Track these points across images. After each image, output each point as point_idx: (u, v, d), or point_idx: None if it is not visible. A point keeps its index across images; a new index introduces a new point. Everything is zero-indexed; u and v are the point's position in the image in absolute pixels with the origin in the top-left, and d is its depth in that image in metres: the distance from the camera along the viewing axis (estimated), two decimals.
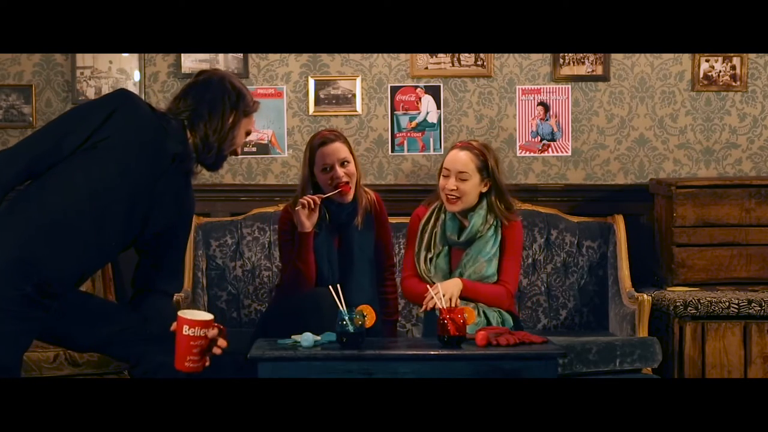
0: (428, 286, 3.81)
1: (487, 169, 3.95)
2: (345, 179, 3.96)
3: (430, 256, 3.99)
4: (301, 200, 3.90)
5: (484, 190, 3.97)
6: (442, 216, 4.02)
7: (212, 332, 3.07)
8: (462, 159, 3.95)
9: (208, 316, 3.09)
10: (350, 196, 3.99)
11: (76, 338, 3.22)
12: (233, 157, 3.37)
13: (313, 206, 3.90)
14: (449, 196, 3.94)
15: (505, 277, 3.96)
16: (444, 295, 3.71)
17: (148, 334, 3.15)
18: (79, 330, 3.18)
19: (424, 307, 3.80)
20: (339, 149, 3.97)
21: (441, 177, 3.99)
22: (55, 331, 3.15)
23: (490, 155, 3.99)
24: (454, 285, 3.83)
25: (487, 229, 3.95)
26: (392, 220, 4.26)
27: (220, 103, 3.20)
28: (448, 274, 3.95)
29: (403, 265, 4.09)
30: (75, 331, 3.18)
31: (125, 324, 3.20)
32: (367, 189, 4.15)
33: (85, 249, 3.06)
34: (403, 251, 4.59)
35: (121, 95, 3.15)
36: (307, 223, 3.91)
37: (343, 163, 3.97)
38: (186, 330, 3.04)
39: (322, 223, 4.00)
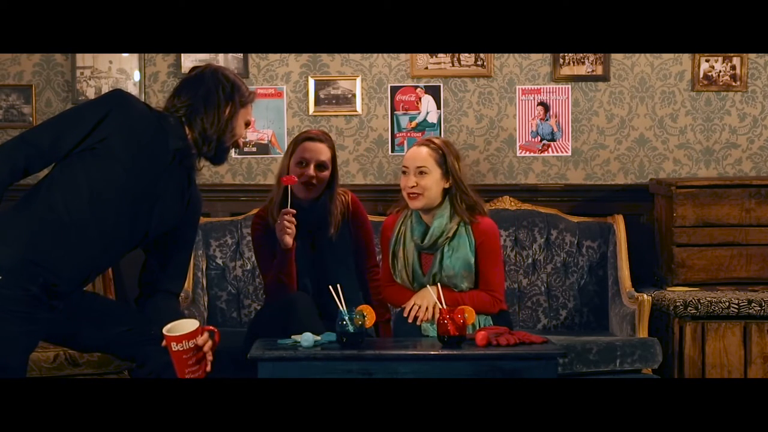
0: (407, 305, 3.75)
1: (447, 164, 3.82)
2: (314, 182, 3.90)
3: (402, 263, 3.86)
4: (284, 225, 3.78)
5: (447, 186, 3.83)
6: (410, 221, 3.88)
7: (202, 339, 3.07)
8: (421, 154, 3.82)
9: (193, 325, 3.06)
10: (311, 194, 3.91)
11: (82, 338, 3.22)
12: (233, 156, 3.37)
13: (293, 227, 3.80)
14: (410, 194, 3.80)
15: (488, 285, 3.82)
16: (422, 307, 3.68)
17: (153, 334, 3.15)
18: (85, 330, 3.19)
19: (410, 319, 3.74)
20: (321, 150, 3.92)
21: (402, 176, 3.84)
22: (61, 331, 3.15)
23: (450, 151, 3.85)
24: (430, 293, 3.69)
25: (453, 231, 3.80)
26: None
27: (214, 96, 3.19)
28: (422, 279, 3.83)
29: (381, 273, 3.99)
30: (81, 332, 3.19)
31: (131, 324, 3.20)
32: (342, 190, 4.07)
33: (91, 249, 3.06)
34: None
35: (116, 96, 3.14)
36: (290, 239, 3.82)
37: (319, 166, 3.91)
38: (175, 347, 3.02)
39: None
